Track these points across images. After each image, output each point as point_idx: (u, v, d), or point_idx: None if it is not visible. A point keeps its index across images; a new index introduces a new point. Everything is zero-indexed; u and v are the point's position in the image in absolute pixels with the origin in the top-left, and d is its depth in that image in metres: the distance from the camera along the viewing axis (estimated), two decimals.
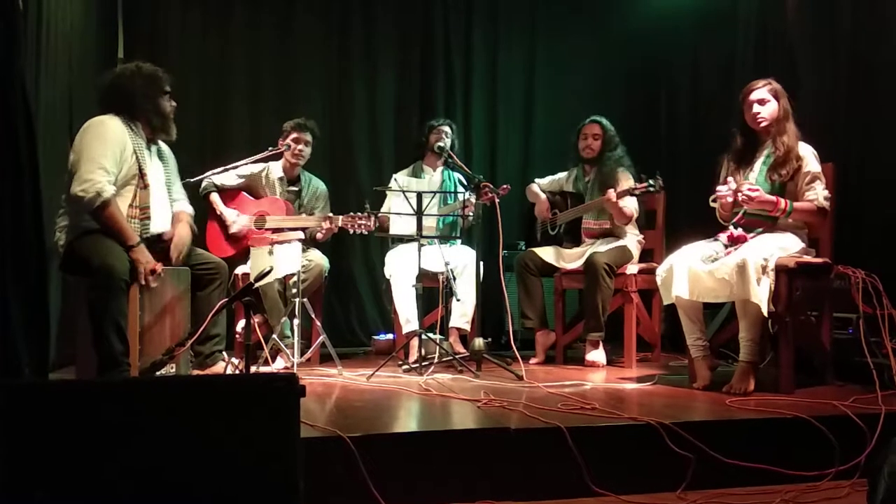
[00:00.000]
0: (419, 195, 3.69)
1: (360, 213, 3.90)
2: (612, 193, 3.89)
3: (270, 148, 4.09)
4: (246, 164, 4.08)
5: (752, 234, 3.16)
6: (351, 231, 3.93)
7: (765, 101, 3.21)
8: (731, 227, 3.21)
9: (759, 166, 3.23)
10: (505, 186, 4.00)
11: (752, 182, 3.19)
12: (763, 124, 3.22)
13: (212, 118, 4.92)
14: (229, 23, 4.94)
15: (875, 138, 3.73)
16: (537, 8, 5.43)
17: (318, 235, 4.06)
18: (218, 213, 4.12)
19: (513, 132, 5.41)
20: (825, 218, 3.18)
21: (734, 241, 3.16)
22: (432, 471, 2.24)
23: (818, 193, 3.13)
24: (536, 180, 4.46)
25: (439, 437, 2.35)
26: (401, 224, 3.82)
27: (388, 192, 4.07)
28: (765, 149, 3.23)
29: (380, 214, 4.23)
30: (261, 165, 4.17)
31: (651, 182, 3.74)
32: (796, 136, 3.19)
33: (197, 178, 3.96)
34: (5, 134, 2.40)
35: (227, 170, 4.05)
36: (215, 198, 4.13)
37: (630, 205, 4.04)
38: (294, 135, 4.14)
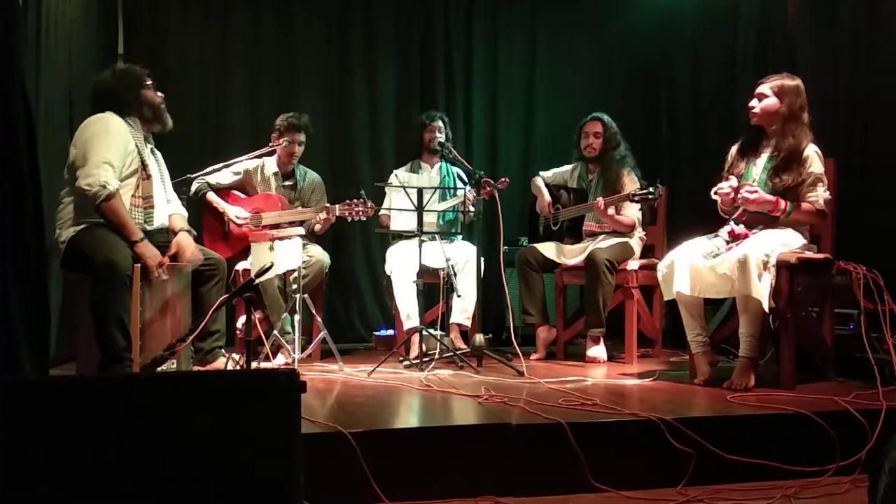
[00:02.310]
0: (420, 191, 3.69)
1: (356, 200, 3.90)
2: (600, 202, 3.88)
3: (270, 145, 4.10)
4: (240, 161, 4.06)
5: (753, 231, 3.15)
6: (349, 219, 3.93)
7: (763, 96, 3.19)
8: (733, 224, 3.21)
9: (762, 164, 3.20)
10: (503, 180, 3.98)
11: (755, 180, 3.17)
12: (753, 119, 3.22)
13: (212, 117, 4.91)
14: (229, 21, 4.93)
15: (875, 135, 3.72)
16: (537, 6, 5.42)
17: (317, 227, 4.06)
18: (221, 211, 4.08)
19: (513, 130, 5.39)
20: (824, 220, 3.17)
21: (735, 238, 3.16)
22: (433, 467, 2.25)
23: (819, 195, 3.11)
24: (541, 173, 4.42)
25: (440, 433, 2.35)
26: (401, 220, 3.82)
27: (387, 189, 4.07)
28: (770, 147, 3.20)
29: (380, 213, 4.24)
30: (255, 161, 4.16)
31: (651, 190, 3.68)
32: (808, 139, 3.13)
33: (187, 176, 3.87)
34: (5, 134, 2.40)
35: (217, 169, 4.01)
36: (214, 197, 4.10)
37: (629, 213, 4.03)
38: (288, 136, 4.13)
